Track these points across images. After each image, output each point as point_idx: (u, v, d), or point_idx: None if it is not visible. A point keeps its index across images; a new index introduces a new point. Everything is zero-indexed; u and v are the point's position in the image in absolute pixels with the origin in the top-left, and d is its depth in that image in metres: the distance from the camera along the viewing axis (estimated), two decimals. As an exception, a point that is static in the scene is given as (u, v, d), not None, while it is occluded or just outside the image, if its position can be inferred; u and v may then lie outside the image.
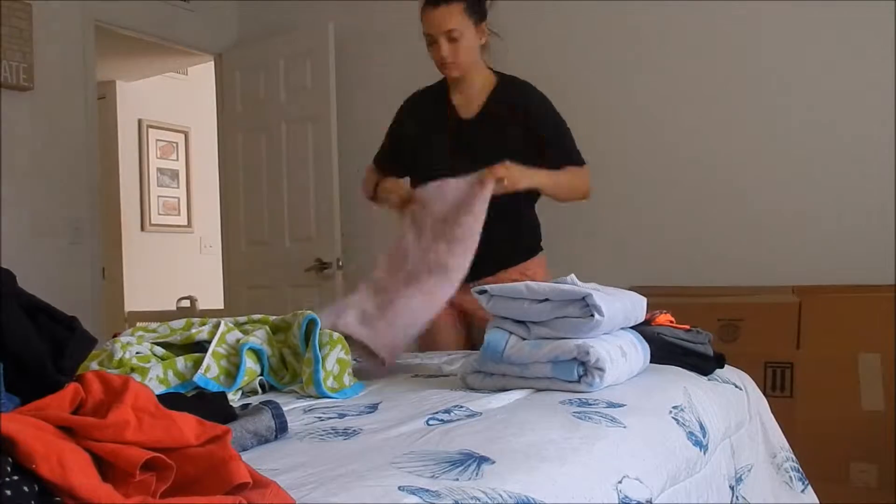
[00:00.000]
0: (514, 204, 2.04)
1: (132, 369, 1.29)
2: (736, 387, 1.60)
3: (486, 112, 2.14)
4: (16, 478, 0.56)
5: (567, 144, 2.15)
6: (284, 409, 1.11)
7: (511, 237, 2.12)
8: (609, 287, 1.55)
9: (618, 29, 3.21)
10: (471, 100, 2.17)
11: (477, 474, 0.85)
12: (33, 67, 3.29)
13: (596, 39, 3.26)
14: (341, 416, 1.20)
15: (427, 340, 2.06)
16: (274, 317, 1.58)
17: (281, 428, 1.06)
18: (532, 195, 2.18)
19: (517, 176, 1.93)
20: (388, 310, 1.70)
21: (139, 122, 5.57)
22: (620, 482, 0.95)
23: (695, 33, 3.04)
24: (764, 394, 1.74)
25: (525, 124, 2.12)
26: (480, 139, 2.11)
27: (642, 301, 1.59)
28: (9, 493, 0.55)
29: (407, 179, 2.22)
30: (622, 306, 1.46)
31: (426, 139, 2.21)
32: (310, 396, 1.36)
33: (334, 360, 1.39)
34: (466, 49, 2.08)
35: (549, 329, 1.35)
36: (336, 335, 1.45)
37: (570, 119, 3.38)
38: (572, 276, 1.51)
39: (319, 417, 1.19)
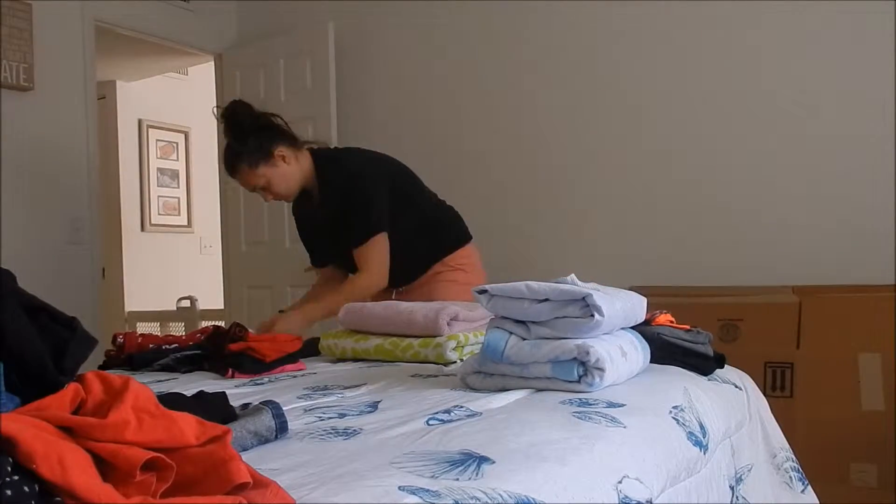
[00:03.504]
0: (400, 230, 2.29)
1: None
2: (736, 387, 1.60)
3: (323, 199, 2.35)
4: (16, 478, 0.56)
5: (363, 215, 2.25)
6: (284, 408, 1.11)
7: (423, 239, 2.37)
8: (609, 287, 1.54)
9: (617, 30, 3.21)
10: (314, 192, 2.38)
11: (477, 474, 0.85)
12: (33, 67, 3.30)
13: (596, 40, 3.26)
14: (341, 415, 1.20)
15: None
16: None
17: (281, 428, 1.06)
18: (432, 202, 2.44)
19: (289, 327, 2.11)
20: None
21: (139, 122, 5.57)
22: (620, 482, 0.95)
23: (695, 34, 3.04)
24: (764, 394, 1.74)
25: (343, 198, 2.29)
26: (330, 223, 2.34)
27: (642, 301, 1.59)
28: (9, 493, 0.55)
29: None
30: (622, 306, 1.45)
31: (308, 234, 2.52)
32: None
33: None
34: (281, 184, 2.28)
35: (550, 329, 1.35)
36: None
37: (570, 119, 3.40)
38: (572, 276, 1.51)
39: (320, 417, 1.19)
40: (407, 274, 2.37)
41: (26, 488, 0.56)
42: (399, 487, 0.80)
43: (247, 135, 2.24)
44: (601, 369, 1.29)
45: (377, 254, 2.25)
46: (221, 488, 0.63)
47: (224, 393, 1.12)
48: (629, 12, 3.17)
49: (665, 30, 3.10)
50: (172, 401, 1.00)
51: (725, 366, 1.66)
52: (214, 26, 4.23)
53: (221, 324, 3.75)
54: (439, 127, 3.67)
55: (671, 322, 1.70)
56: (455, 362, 1.69)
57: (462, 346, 1.73)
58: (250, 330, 1.88)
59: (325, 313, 2.23)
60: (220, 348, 1.76)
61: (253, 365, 1.71)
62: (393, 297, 2.36)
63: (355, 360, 1.84)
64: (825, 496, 1.77)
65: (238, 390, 1.51)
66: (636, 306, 1.55)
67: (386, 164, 2.37)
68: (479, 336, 1.75)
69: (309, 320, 2.23)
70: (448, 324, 1.74)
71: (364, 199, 2.24)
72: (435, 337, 1.73)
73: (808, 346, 2.48)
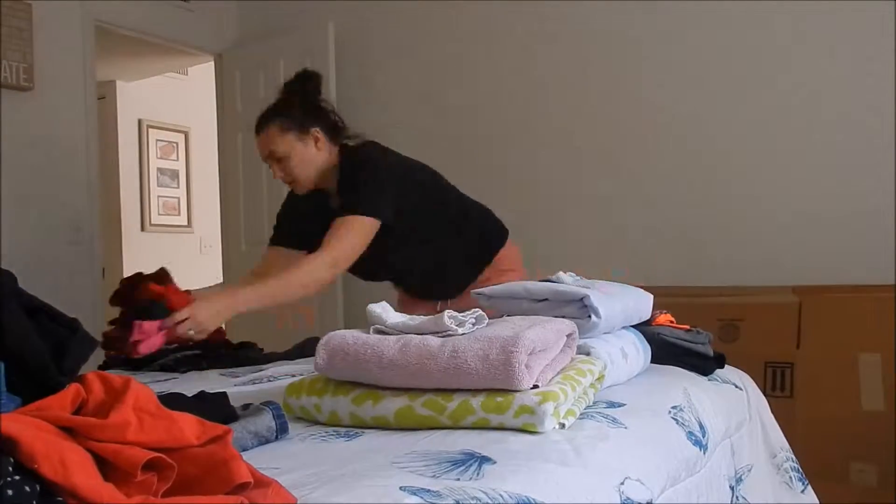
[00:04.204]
0: (431, 236, 2.04)
1: None
2: (736, 387, 1.60)
3: (339, 193, 2.06)
4: (17, 478, 0.56)
5: (360, 191, 1.95)
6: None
7: (454, 262, 2.09)
8: (614, 284, 1.55)
9: (620, 28, 3.21)
10: (333, 192, 2.09)
11: (478, 474, 0.86)
12: (33, 67, 3.29)
13: (597, 39, 3.26)
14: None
15: None
16: None
17: (282, 428, 1.06)
18: (460, 204, 2.16)
19: (203, 320, 1.73)
20: None
21: (139, 122, 5.57)
22: (622, 483, 0.95)
23: (696, 34, 3.04)
24: (764, 394, 1.74)
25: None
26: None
27: (648, 298, 1.59)
28: (10, 493, 0.55)
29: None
30: (622, 306, 1.46)
31: (290, 213, 2.21)
32: None
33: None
34: (299, 164, 2.01)
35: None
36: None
37: (570, 120, 3.39)
38: (567, 274, 1.51)
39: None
40: (455, 283, 2.07)
41: (27, 488, 0.56)
42: (400, 487, 0.80)
43: (296, 102, 2.04)
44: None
45: (352, 235, 1.87)
46: (222, 488, 0.63)
47: (225, 393, 1.12)
48: (630, 12, 3.16)
49: (667, 31, 3.10)
50: (173, 401, 1.01)
51: (725, 366, 1.66)
52: (214, 26, 4.23)
53: (221, 324, 3.74)
54: (440, 127, 3.67)
55: (671, 322, 1.70)
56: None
57: (559, 407, 1.05)
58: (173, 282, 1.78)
59: (263, 303, 1.83)
60: (131, 294, 1.70)
61: (162, 311, 1.66)
62: (438, 308, 1.92)
63: (356, 427, 1.13)
64: (825, 496, 1.77)
65: (238, 390, 1.52)
66: (639, 304, 1.55)
67: (412, 164, 2.10)
68: (581, 380, 1.15)
69: (235, 310, 1.81)
70: (527, 366, 1.05)
71: (365, 178, 1.96)
72: (509, 392, 1.05)
73: (808, 346, 2.48)
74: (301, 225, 2.14)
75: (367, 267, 2.01)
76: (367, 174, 1.96)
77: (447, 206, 2.12)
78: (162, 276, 1.86)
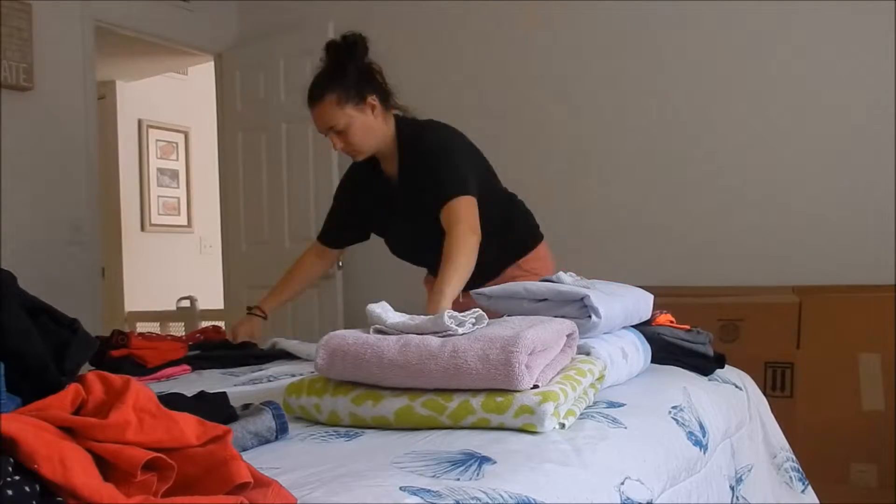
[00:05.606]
0: (491, 211, 1.99)
1: None
2: (736, 387, 1.60)
3: (403, 171, 2.06)
4: (17, 478, 0.56)
5: (445, 177, 1.94)
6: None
7: (496, 240, 2.03)
8: (614, 284, 1.55)
9: (619, 30, 3.21)
10: (390, 162, 2.09)
11: (478, 474, 0.85)
12: (33, 67, 3.29)
13: (598, 39, 3.26)
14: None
15: None
16: None
17: (282, 428, 1.06)
18: (505, 196, 2.18)
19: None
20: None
21: (139, 122, 5.57)
22: (623, 483, 0.95)
23: (694, 35, 3.04)
24: (764, 394, 1.74)
25: (430, 166, 1.99)
26: (406, 200, 2.06)
27: (648, 298, 1.59)
28: (10, 493, 0.55)
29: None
30: (622, 307, 1.46)
31: (367, 210, 2.18)
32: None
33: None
34: (360, 133, 1.98)
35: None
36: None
37: (571, 120, 3.38)
38: (567, 274, 1.51)
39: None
40: (485, 274, 1.98)
41: (27, 488, 0.56)
42: (400, 487, 0.80)
43: (350, 70, 1.97)
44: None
45: (471, 212, 1.88)
46: (222, 488, 0.63)
47: (225, 393, 1.12)
48: (629, 12, 3.16)
49: (665, 32, 3.10)
50: (173, 401, 1.01)
51: (725, 366, 1.66)
52: (214, 26, 4.22)
53: (221, 324, 3.75)
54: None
55: (671, 322, 1.70)
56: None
57: (559, 407, 1.05)
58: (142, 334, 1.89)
59: (462, 285, 1.77)
60: (101, 355, 1.77)
61: (133, 369, 1.74)
62: (460, 299, 1.84)
63: (356, 427, 1.13)
64: (825, 496, 1.77)
65: (238, 390, 1.52)
66: (640, 304, 1.55)
67: (476, 149, 2.10)
68: (582, 380, 1.15)
69: (452, 297, 1.73)
70: (527, 366, 1.05)
71: (453, 164, 1.95)
72: (509, 392, 1.05)
73: (808, 346, 2.48)
74: (353, 216, 2.19)
75: (412, 247, 2.10)
76: (450, 161, 1.95)
77: (498, 196, 2.14)
78: (120, 337, 1.88)
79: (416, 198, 2.00)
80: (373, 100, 1.99)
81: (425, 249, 2.01)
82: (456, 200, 1.88)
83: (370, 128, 2.00)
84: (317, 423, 1.16)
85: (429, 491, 0.79)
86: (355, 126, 1.97)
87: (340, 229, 2.28)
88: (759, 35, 2.91)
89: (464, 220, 1.86)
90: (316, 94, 1.97)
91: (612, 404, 1.22)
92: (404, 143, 2.05)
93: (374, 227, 2.22)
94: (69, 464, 0.58)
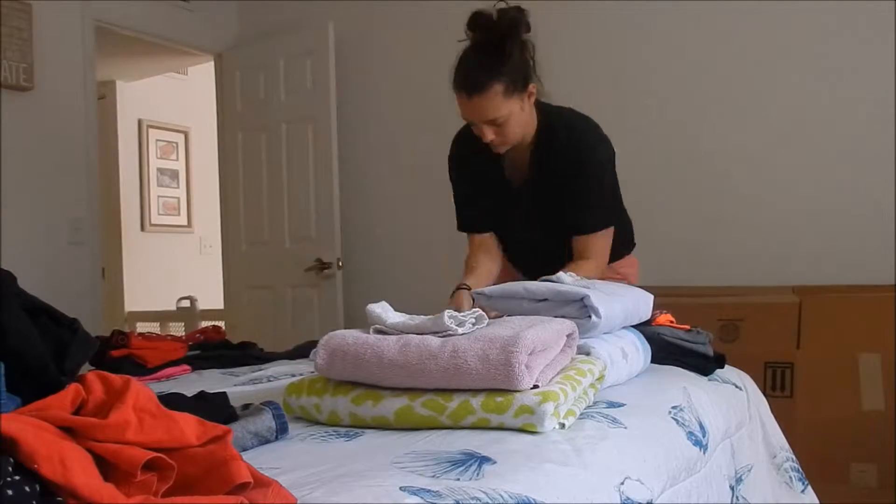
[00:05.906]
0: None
1: None
2: (736, 387, 1.60)
3: (536, 167, 1.87)
4: (17, 478, 0.56)
5: (595, 202, 1.82)
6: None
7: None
8: (614, 284, 1.55)
9: (621, 29, 3.20)
10: (519, 157, 1.88)
11: (478, 474, 0.85)
12: (33, 67, 3.29)
13: (598, 39, 3.26)
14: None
15: None
16: None
17: (282, 428, 1.06)
18: (622, 205, 2.06)
19: None
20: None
21: (139, 122, 5.57)
22: (622, 483, 0.95)
23: (694, 35, 3.04)
24: (764, 394, 1.74)
25: (576, 175, 1.84)
26: (536, 205, 1.89)
27: (648, 298, 1.59)
28: (10, 493, 0.55)
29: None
30: (622, 307, 1.46)
31: (485, 203, 1.98)
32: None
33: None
34: (519, 126, 1.78)
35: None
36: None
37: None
38: (567, 274, 1.51)
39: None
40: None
41: (27, 488, 0.56)
42: (400, 487, 0.80)
43: (514, 51, 1.71)
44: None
45: (607, 249, 1.84)
46: (222, 488, 0.63)
47: (225, 393, 1.12)
48: (629, 12, 3.16)
49: (666, 32, 3.10)
50: (173, 401, 1.01)
51: (725, 366, 1.66)
52: (214, 26, 4.22)
53: (221, 324, 3.75)
54: (440, 127, 3.66)
55: (671, 322, 1.70)
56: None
57: (559, 407, 1.05)
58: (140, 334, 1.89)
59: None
60: (101, 355, 1.78)
61: (133, 369, 1.75)
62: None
63: (356, 427, 1.12)
64: (825, 496, 1.77)
65: (238, 390, 1.52)
66: (640, 304, 1.55)
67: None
68: (582, 380, 1.15)
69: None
70: (527, 366, 1.05)
71: (606, 183, 1.84)
72: (509, 392, 1.05)
73: (808, 346, 2.48)
74: (487, 200, 1.97)
75: (530, 254, 1.98)
76: (603, 177, 1.85)
77: (619, 205, 2.05)
78: (120, 338, 1.88)
79: (547, 202, 1.86)
80: (533, 87, 1.78)
81: (538, 258, 1.89)
82: (599, 235, 1.82)
83: (525, 121, 1.80)
84: (317, 423, 1.16)
85: (429, 491, 0.79)
86: (515, 118, 1.75)
87: (483, 213, 2.01)
88: (759, 35, 2.91)
89: (597, 256, 1.80)
90: (480, 84, 1.69)
91: (612, 404, 1.22)
92: (546, 130, 1.86)
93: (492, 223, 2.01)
94: (69, 464, 0.58)
